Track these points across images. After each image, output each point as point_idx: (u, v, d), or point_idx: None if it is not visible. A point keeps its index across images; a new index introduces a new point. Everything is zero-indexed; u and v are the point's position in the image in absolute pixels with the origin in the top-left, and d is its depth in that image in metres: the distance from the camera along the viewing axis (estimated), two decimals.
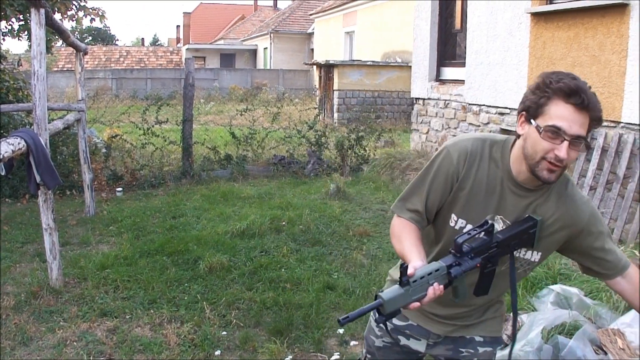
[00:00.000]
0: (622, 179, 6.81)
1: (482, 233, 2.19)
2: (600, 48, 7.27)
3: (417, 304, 2.05)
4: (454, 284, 2.16)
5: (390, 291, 2.04)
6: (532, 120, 2.09)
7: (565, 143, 2.03)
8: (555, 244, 2.32)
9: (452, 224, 2.32)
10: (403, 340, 2.56)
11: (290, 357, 4.52)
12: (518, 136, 2.21)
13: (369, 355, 2.71)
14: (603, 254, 2.31)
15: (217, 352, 4.59)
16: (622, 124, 7.01)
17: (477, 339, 2.51)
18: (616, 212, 6.81)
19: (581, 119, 2.03)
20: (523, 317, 4.52)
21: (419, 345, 2.54)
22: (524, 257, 2.32)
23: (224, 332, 4.90)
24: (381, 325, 2.52)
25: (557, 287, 4.92)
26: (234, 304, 5.41)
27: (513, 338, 2.53)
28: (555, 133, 2.03)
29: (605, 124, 7.26)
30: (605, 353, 3.98)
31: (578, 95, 2.01)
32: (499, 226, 2.27)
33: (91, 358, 4.45)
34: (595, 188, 7.17)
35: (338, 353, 4.60)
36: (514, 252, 2.28)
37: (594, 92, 2.08)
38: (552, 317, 4.32)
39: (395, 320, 2.53)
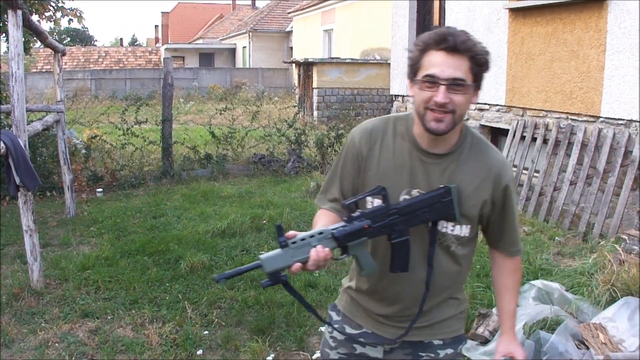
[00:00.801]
0: (602, 174, 6.86)
1: (375, 199, 2.19)
2: (578, 43, 7.32)
3: (298, 265, 2.02)
4: (351, 253, 2.11)
5: (270, 252, 2.05)
6: (414, 78, 2.10)
7: (442, 87, 2.02)
8: (478, 214, 2.24)
9: (368, 206, 2.23)
10: (359, 349, 2.43)
11: (272, 355, 4.52)
12: None
13: None
14: (506, 232, 2.33)
15: (199, 352, 4.58)
16: (601, 119, 7.06)
17: (436, 342, 2.37)
18: (597, 207, 6.86)
19: (455, 61, 2.02)
20: None
21: (376, 352, 2.41)
22: (452, 233, 2.22)
23: (206, 332, 4.89)
24: (334, 335, 2.47)
25: (538, 283, 4.94)
26: (215, 303, 5.39)
27: (414, 320, 2.30)
28: (431, 82, 2.03)
29: (584, 118, 7.31)
30: (587, 348, 4.01)
31: (446, 39, 2.01)
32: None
33: (73, 359, 4.42)
34: (575, 183, 7.22)
35: (320, 351, 4.59)
36: (438, 226, 2.18)
37: (474, 39, 2.07)
38: (534, 313, 4.35)
39: (348, 329, 2.44)
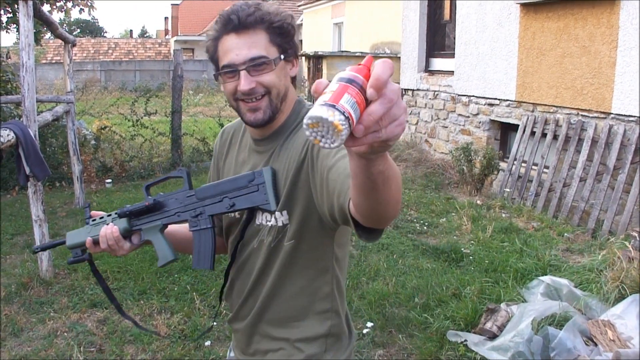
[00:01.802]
0: (612, 170, 6.83)
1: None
2: (590, 39, 7.29)
3: (89, 239, 1.98)
4: (145, 237, 1.97)
5: (76, 230, 2.08)
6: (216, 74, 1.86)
7: (242, 73, 1.77)
8: (302, 196, 1.80)
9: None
10: None
11: None
12: None
13: None
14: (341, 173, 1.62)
15: (207, 343, 4.60)
16: (612, 115, 7.03)
17: None
18: (606, 204, 6.84)
19: (247, 39, 1.77)
20: (513, 308, 4.54)
21: None
22: (269, 224, 1.86)
23: (214, 323, 4.90)
24: None
25: (547, 279, 4.94)
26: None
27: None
28: (231, 72, 1.80)
29: (595, 115, 7.28)
30: (596, 344, 4.00)
31: (230, 19, 1.78)
32: None
33: (82, 349, 4.44)
34: (585, 179, 7.20)
35: None
36: (257, 219, 1.87)
37: (267, 7, 1.82)
38: (542, 309, 4.34)
39: (230, 354, 2.22)
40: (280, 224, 1.84)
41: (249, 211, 1.88)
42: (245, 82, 1.78)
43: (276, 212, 1.82)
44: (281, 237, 1.85)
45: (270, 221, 1.85)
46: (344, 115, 0.98)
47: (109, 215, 2.02)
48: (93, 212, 2.04)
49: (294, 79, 1.95)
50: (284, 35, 1.84)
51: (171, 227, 2.03)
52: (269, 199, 1.78)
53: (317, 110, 0.98)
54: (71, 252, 2.06)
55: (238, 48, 1.78)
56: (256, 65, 1.78)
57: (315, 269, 1.90)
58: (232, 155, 2.07)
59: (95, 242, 1.99)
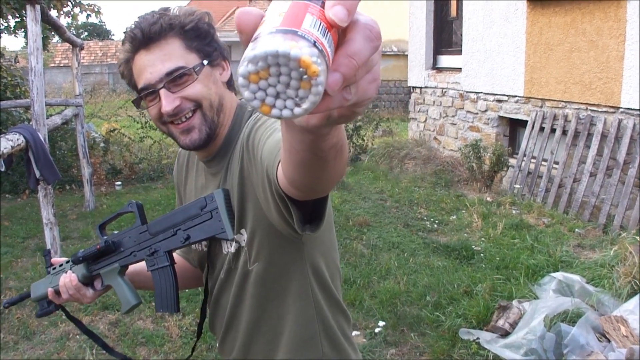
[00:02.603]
0: (622, 165, 6.80)
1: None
2: (597, 33, 7.26)
3: (51, 290, 1.85)
4: (105, 282, 1.79)
5: (40, 280, 1.97)
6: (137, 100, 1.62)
7: (161, 92, 1.53)
8: (253, 207, 1.55)
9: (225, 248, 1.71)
10: None
11: None
12: None
13: None
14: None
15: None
16: (621, 109, 7.00)
17: None
18: (617, 199, 6.81)
19: (158, 54, 1.53)
20: (525, 305, 4.53)
21: None
22: (231, 250, 1.66)
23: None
24: None
25: (558, 275, 4.92)
26: None
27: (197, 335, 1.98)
28: (149, 94, 1.57)
29: (604, 109, 7.25)
30: (609, 340, 3.99)
31: (134, 36, 1.54)
32: None
33: (94, 351, 4.45)
34: (595, 174, 7.17)
35: None
36: (224, 249, 1.68)
37: (173, 12, 1.58)
38: (555, 305, 4.33)
39: None
40: (243, 244, 1.61)
41: (211, 241, 1.68)
42: (167, 102, 1.53)
43: (235, 235, 1.59)
44: (245, 260, 1.62)
45: (230, 247, 1.65)
46: (317, 48, 0.62)
47: (67, 262, 1.88)
48: (54, 260, 1.91)
49: (229, 84, 1.68)
50: (202, 38, 1.59)
51: (136, 266, 1.84)
52: (224, 226, 1.51)
53: (267, 42, 0.62)
54: (38, 305, 1.96)
55: (151, 65, 1.53)
56: (175, 79, 1.54)
57: (292, 294, 1.65)
58: (191, 180, 1.84)
59: (57, 292, 1.86)
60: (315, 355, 1.68)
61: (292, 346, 1.67)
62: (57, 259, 1.91)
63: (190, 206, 1.58)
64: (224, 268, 1.69)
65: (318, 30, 0.62)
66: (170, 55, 1.52)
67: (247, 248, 1.60)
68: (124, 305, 1.77)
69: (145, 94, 1.56)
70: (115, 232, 1.88)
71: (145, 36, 1.52)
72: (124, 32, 1.57)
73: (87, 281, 1.83)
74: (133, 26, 1.55)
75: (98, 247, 1.75)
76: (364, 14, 0.73)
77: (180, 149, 1.73)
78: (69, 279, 1.80)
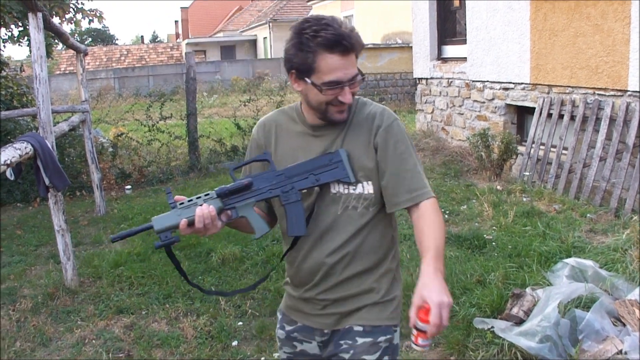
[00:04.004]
0: (632, 148, 6.77)
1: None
2: (602, 16, 7.22)
3: (184, 221, 2.09)
4: (241, 214, 2.18)
5: (161, 214, 2.16)
6: (306, 79, 2.11)
7: (346, 89, 2.10)
8: (372, 167, 2.21)
9: None
10: (298, 346, 2.40)
11: None
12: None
13: None
14: (399, 175, 2.19)
15: (234, 343, 4.61)
16: (628, 93, 6.97)
17: (356, 328, 2.26)
18: (628, 182, 6.78)
19: (348, 60, 2.07)
20: (539, 292, 4.51)
21: (313, 348, 2.37)
22: (356, 192, 2.20)
23: (240, 323, 4.92)
24: (279, 335, 2.46)
25: (571, 261, 4.90)
26: (248, 294, 5.41)
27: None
28: (334, 86, 2.08)
29: (612, 93, 7.22)
30: (624, 324, 3.97)
31: (340, 43, 2.04)
32: None
33: (110, 355, 4.47)
34: (605, 159, 7.14)
35: None
36: (333, 189, 2.20)
37: (348, 26, 2.09)
38: (568, 291, 4.31)
39: (287, 327, 2.41)
40: (367, 192, 2.20)
41: (323, 187, 2.20)
42: (349, 96, 2.11)
43: (364, 183, 2.20)
44: (367, 204, 2.21)
45: (354, 189, 2.20)
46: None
47: (199, 197, 2.15)
48: (176, 197, 2.16)
49: None
50: (360, 52, 2.13)
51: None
52: (348, 173, 2.15)
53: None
54: (159, 236, 2.13)
55: (345, 67, 2.07)
56: (354, 81, 2.11)
57: (382, 232, 2.28)
58: (281, 141, 2.32)
59: (189, 224, 2.11)
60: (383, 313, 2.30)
61: (377, 268, 2.30)
62: (179, 196, 2.17)
63: (319, 158, 2.18)
64: (339, 205, 2.21)
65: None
66: (353, 64, 2.09)
67: (369, 195, 2.21)
68: (258, 232, 2.21)
69: (331, 86, 2.07)
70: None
71: (350, 47, 2.05)
72: (316, 31, 2.04)
73: (219, 213, 2.16)
74: (337, 34, 2.03)
75: (246, 182, 2.17)
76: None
77: (264, 121, 2.41)
78: (207, 210, 2.09)
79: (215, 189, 2.17)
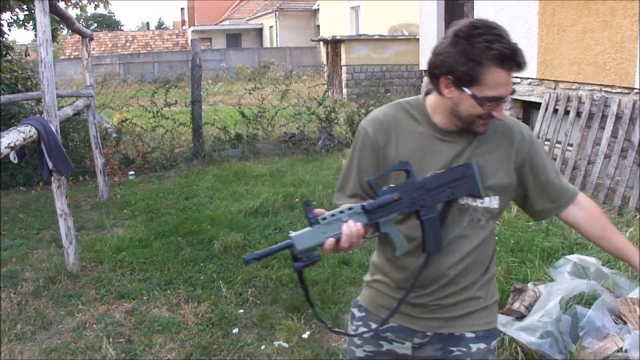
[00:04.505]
0: (637, 146, 6.76)
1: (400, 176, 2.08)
2: (611, 13, 7.20)
3: (331, 240, 1.89)
4: (383, 230, 2.01)
5: (300, 231, 1.92)
6: (465, 89, 1.96)
7: (501, 106, 2.01)
8: (506, 183, 2.15)
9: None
10: (386, 346, 2.29)
11: (308, 333, 4.52)
12: (426, 93, 2.18)
13: None
14: (550, 186, 2.20)
15: (235, 330, 4.61)
16: (635, 90, 6.95)
17: (468, 335, 2.21)
18: (632, 180, 6.77)
19: (510, 78, 1.97)
20: (540, 288, 4.51)
21: (404, 349, 2.27)
22: (482, 206, 2.13)
23: (241, 310, 4.92)
24: (359, 332, 2.35)
25: (574, 257, 4.89)
26: (250, 282, 5.42)
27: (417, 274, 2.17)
28: (496, 101, 1.97)
29: (618, 90, 7.20)
30: (625, 323, 3.97)
31: (514, 60, 1.92)
32: None
33: (111, 340, 4.47)
34: (610, 156, 7.13)
35: (347, 350, 4.59)
36: (461, 200, 2.10)
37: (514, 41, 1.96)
38: (570, 288, 4.30)
39: (374, 325, 2.29)
40: (492, 206, 2.14)
41: (452, 201, 2.12)
42: (503, 113, 2.03)
43: (491, 197, 2.13)
44: (490, 217, 2.16)
45: (482, 203, 2.13)
46: None
47: (342, 212, 1.95)
48: (316, 211, 1.93)
49: None
50: None
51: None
52: (479, 187, 2.08)
53: None
54: (300, 256, 1.92)
55: (507, 84, 1.96)
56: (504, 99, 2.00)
57: (493, 241, 2.29)
58: (402, 142, 2.15)
59: (337, 241, 1.94)
60: (493, 280, 2.33)
61: (483, 276, 2.25)
62: (319, 210, 1.94)
63: (455, 171, 2.07)
64: (466, 217, 2.14)
65: None
66: (511, 83, 1.98)
67: (494, 209, 2.15)
68: (400, 249, 2.06)
69: (492, 100, 1.96)
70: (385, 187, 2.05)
71: (519, 62, 1.93)
72: (490, 43, 1.90)
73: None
74: (512, 49, 1.91)
75: (395, 198, 2.00)
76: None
77: (380, 117, 2.20)
78: (355, 228, 1.92)
79: (363, 203, 1.98)
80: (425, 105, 2.14)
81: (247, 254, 1.92)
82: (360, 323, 2.35)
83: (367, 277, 2.45)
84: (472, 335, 2.22)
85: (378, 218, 2.00)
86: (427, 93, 2.15)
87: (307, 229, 1.92)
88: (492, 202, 2.13)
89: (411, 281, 2.15)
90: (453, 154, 2.11)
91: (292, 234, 1.91)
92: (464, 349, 2.21)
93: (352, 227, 1.91)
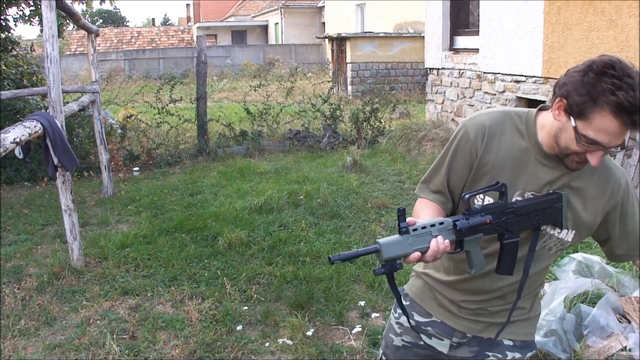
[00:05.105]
0: None
1: (495, 196, 2.07)
2: (617, 12, 7.18)
3: (417, 254, 1.88)
4: (466, 248, 2.01)
5: (388, 238, 1.92)
6: (572, 118, 1.87)
7: (601, 152, 1.89)
8: (589, 222, 2.11)
9: (478, 203, 2.12)
10: (425, 339, 2.33)
11: (312, 330, 4.53)
12: (541, 108, 2.11)
13: (384, 357, 2.51)
14: (635, 236, 2.16)
15: (239, 327, 4.61)
16: None
17: (506, 342, 2.26)
18: (637, 179, 6.75)
19: (624, 132, 1.83)
20: (545, 286, 4.51)
21: (442, 346, 2.32)
22: (558, 236, 2.12)
23: (245, 307, 4.92)
24: (401, 321, 2.38)
25: (578, 256, 4.88)
26: (254, 279, 5.43)
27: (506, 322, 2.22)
28: (594, 145, 1.86)
29: None
30: (629, 321, 3.96)
31: (631, 115, 1.78)
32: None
33: (114, 336, 4.48)
34: (614, 155, 7.10)
35: (359, 325, 4.60)
36: (541, 228, 2.09)
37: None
38: (574, 286, 4.30)
39: (417, 317, 2.35)
40: (567, 239, 2.13)
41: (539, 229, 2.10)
42: (598, 161, 1.91)
43: (569, 230, 2.11)
44: (560, 248, 2.17)
45: (559, 233, 2.12)
46: None
47: (432, 226, 1.95)
48: (409, 220, 1.92)
49: None
50: None
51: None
52: (563, 220, 2.07)
53: None
54: (383, 264, 1.93)
55: (616, 137, 1.84)
56: (611, 149, 1.89)
57: (547, 269, 2.28)
58: (502, 155, 2.10)
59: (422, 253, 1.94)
60: (533, 328, 2.36)
61: (528, 313, 2.29)
62: (411, 219, 1.93)
63: (547, 199, 2.05)
64: (539, 243, 2.12)
65: None
66: (624, 135, 1.85)
67: (566, 242, 2.14)
68: (477, 268, 2.05)
69: (591, 142, 1.86)
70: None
71: (634, 122, 1.80)
72: (619, 92, 1.77)
73: None
74: (634, 103, 1.76)
75: (487, 221, 2.00)
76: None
77: (488, 124, 2.12)
78: (443, 245, 1.91)
79: (452, 219, 1.98)
80: (536, 120, 2.10)
81: (333, 254, 1.92)
82: (403, 313, 2.26)
83: (418, 267, 2.44)
84: (510, 343, 2.27)
85: (466, 236, 2.00)
86: (542, 109, 2.11)
87: (396, 236, 1.92)
88: (568, 235, 2.12)
89: (466, 286, 2.24)
90: (548, 179, 2.07)
91: (380, 240, 1.91)
92: (500, 355, 2.26)
93: (440, 244, 1.91)
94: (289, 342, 4.39)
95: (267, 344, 4.38)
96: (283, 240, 6.28)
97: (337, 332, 4.55)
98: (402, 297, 2.33)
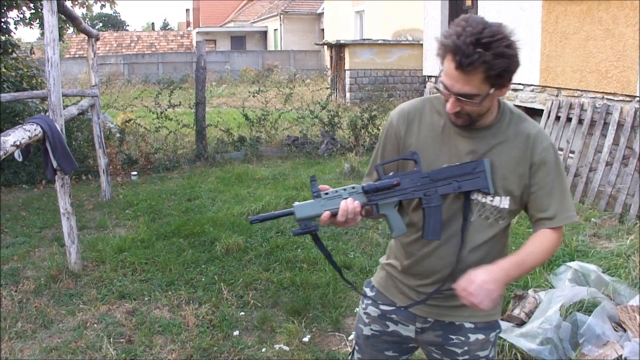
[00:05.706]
0: (639, 154, 6.77)
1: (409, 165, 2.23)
2: (614, 21, 7.22)
3: (327, 213, 2.10)
4: (381, 211, 2.17)
5: (303, 202, 2.15)
6: (440, 67, 2.06)
7: (451, 99, 2.03)
8: (520, 186, 2.19)
9: None
10: (391, 326, 2.43)
11: (309, 336, 4.54)
12: None
13: (357, 347, 2.62)
14: (545, 195, 2.20)
15: (236, 333, 4.62)
16: (637, 98, 6.96)
17: (467, 325, 2.33)
18: (633, 188, 6.78)
19: (464, 77, 1.95)
20: (541, 295, 4.52)
21: (408, 331, 2.40)
22: (492, 204, 2.19)
23: (242, 313, 4.93)
24: (368, 311, 2.48)
25: (574, 264, 4.91)
26: (251, 284, 5.44)
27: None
28: (444, 88, 2.04)
29: (620, 98, 7.22)
30: (625, 330, 3.98)
31: (456, 55, 1.92)
32: None
33: (111, 340, 4.48)
34: (611, 164, 7.14)
35: (354, 328, 4.60)
36: (472, 198, 2.19)
37: (488, 44, 1.92)
38: (570, 295, 4.32)
39: (382, 306, 2.44)
40: (502, 206, 2.20)
41: (466, 195, 2.19)
42: (451, 106, 2.05)
43: (502, 197, 2.19)
44: (499, 217, 2.21)
45: (491, 201, 2.19)
46: None
47: (344, 189, 2.15)
48: (321, 186, 2.14)
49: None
50: (501, 76, 1.98)
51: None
52: (489, 184, 2.15)
53: None
54: (299, 224, 2.14)
55: (455, 80, 1.98)
56: (465, 98, 2.00)
57: (504, 244, 2.33)
58: (422, 133, 2.25)
59: (333, 215, 2.12)
60: (494, 309, 2.37)
61: None
62: (323, 186, 2.15)
63: (465, 166, 2.15)
64: (474, 213, 2.21)
65: None
66: (471, 82, 1.97)
67: (504, 209, 2.20)
68: (396, 231, 2.20)
69: (441, 85, 2.05)
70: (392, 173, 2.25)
71: (461, 64, 1.93)
72: (454, 31, 1.96)
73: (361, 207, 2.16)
74: (457, 44, 1.93)
75: (395, 182, 2.16)
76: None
77: (407, 109, 2.31)
78: (352, 205, 2.10)
79: (363, 184, 2.18)
80: None
81: (253, 215, 2.10)
82: (369, 302, 2.49)
83: (382, 260, 2.56)
84: (472, 325, 2.34)
85: (378, 200, 2.17)
86: None
87: (310, 200, 2.14)
88: (502, 202, 2.20)
89: (418, 268, 2.32)
90: (468, 149, 2.18)
91: (295, 203, 2.14)
92: (463, 338, 2.33)
93: (349, 204, 2.10)
94: (286, 348, 4.39)
95: (263, 350, 4.39)
96: (280, 246, 6.29)
97: (334, 338, 4.56)
98: (370, 289, 2.54)
